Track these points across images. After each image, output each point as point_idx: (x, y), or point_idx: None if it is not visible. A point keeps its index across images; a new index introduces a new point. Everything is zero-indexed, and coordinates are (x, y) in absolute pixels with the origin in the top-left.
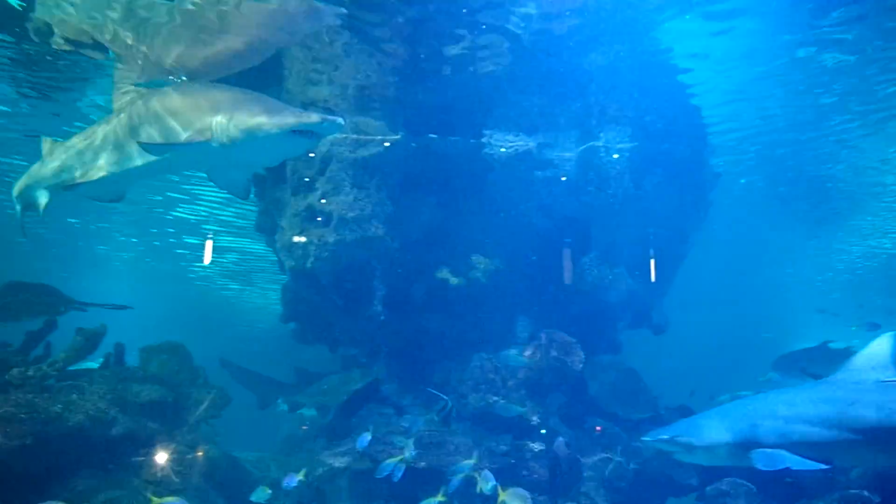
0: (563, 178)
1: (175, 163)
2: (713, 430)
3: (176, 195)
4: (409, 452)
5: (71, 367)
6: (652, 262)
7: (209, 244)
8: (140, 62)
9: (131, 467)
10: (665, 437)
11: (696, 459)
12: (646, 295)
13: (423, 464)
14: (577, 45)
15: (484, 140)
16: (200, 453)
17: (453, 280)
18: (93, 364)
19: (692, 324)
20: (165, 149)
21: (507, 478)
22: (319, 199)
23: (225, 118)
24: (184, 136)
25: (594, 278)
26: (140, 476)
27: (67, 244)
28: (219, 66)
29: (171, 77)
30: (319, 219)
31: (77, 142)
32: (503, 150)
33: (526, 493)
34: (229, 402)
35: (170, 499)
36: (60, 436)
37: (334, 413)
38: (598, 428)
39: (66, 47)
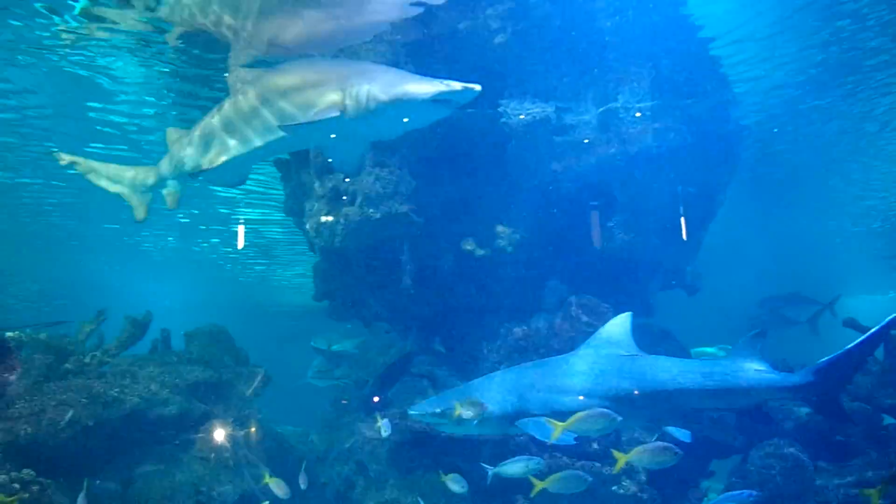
0: (586, 141)
1: (298, 140)
2: (483, 402)
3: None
4: None
5: None
6: (682, 220)
7: (241, 229)
8: (250, 44)
9: (183, 445)
10: (436, 410)
11: (464, 430)
12: (676, 255)
13: (458, 433)
14: (588, 4)
15: (500, 110)
16: (247, 430)
17: (479, 251)
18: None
19: (734, 281)
20: (301, 127)
21: (546, 445)
22: (343, 180)
23: (360, 90)
24: (314, 111)
25: (621, 241)
26: (191, 453)
27: (111, 239)
28: (321, 43)
29: (283, 55)
30: (345, 198)
31: (199, 129)
32: (521, 117)
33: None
34: (270, 381)
35: (275, 480)
36: (118, 418)
37: (370, 386)
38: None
39: (178, 43)
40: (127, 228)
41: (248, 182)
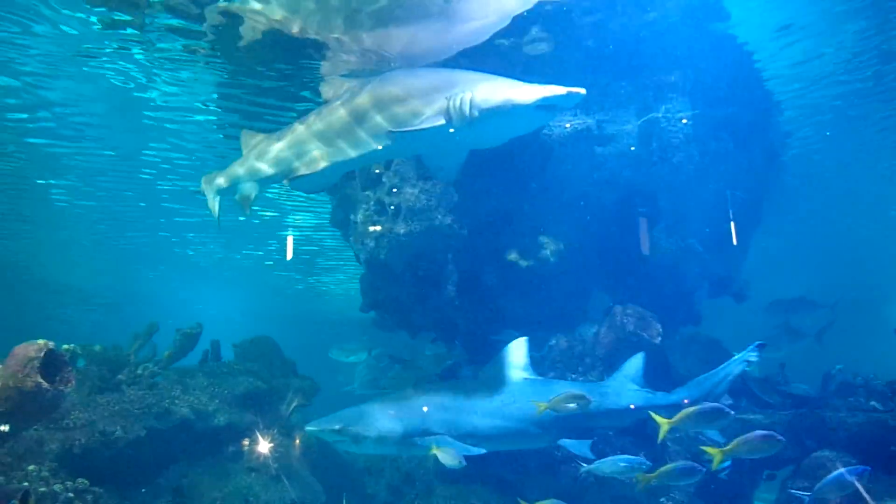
0: (631, 150)
1: (398, 149)
2: (384, 420)
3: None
4: None
5: None
6: (732, 226)
7: (290, 240)
8: (347, 54)
9: (231, 455)
10: (336, 426)
11: (362, 450)
12: (722, 263)
13: None
14: (631, 17)
15: None
16: (294, 440)
17: (523, 262)
18: None
19: (785, 287)
20: (406, 135)
21: (592, 454)
22: (387, 193)
23: (465, 98)
24: (420, 119)
25: (665, 249)
26: (240, 463)
27: (163, 248)
28: (421, 54)
29: (384, 64)
30: (390, 210)
31: (289, 135)
32: (564, 128)
33: None
34: (318, 391)
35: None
36: (169, 429)
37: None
38: (685, 401)
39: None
40: (178, 237)
41: (288, 194)
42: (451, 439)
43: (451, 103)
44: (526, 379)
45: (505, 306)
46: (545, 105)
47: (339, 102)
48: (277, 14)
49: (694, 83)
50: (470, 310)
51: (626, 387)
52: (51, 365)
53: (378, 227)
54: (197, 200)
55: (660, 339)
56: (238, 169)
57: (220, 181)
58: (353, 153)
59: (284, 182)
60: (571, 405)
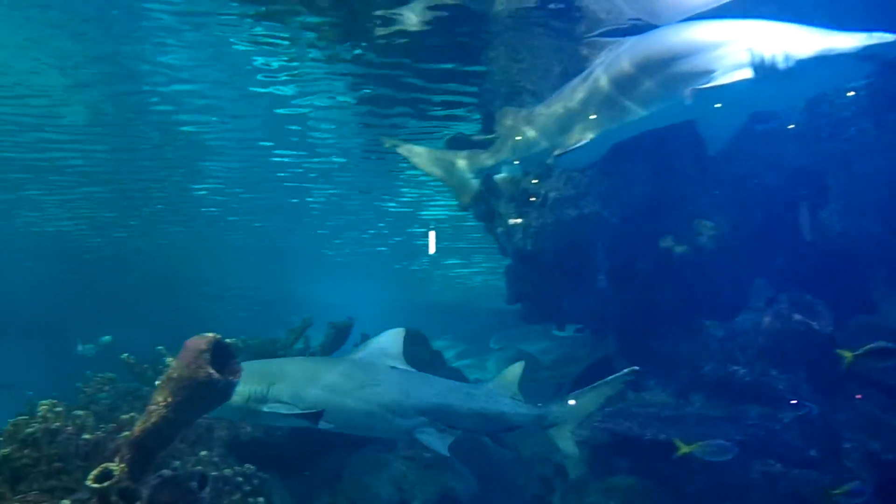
0: (791, 127)
1: (682, 111)
2: None
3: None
4: None
5: None
6: None
7: (432, 235)
8: (606, 14)
9: (387, 444)
10: None
11: (218, 414)
12: None
13: (662, 436)
14: None
15: None
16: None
17: (678, 248)
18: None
19: None
20: (702, 93)
21: (756, 450)
22: (532, 183)
23: (774, 48)
24: (718, 74)
25: (836, 232)
26: (395, 452)
27: (313, 247)
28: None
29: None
30: (534, 200)
31: (554, 107)
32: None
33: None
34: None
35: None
36: None
37: (567, 389)
38: (858, 396)
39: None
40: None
41: (432, 182)
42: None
43: (758, 55)
44: (394, 368)
45: (659, 295)
46: (867, 55)
47: (606, 64)
48: None
49: None
50: (622, 300)
51: (497, 393)
52: (219, 357)
53: (524, 219)
54: (344, 201)
55: (830, 329)
56: (500, 149)
57: (486, 160)
58: (627, 119)
59: (549, 160)
60: None
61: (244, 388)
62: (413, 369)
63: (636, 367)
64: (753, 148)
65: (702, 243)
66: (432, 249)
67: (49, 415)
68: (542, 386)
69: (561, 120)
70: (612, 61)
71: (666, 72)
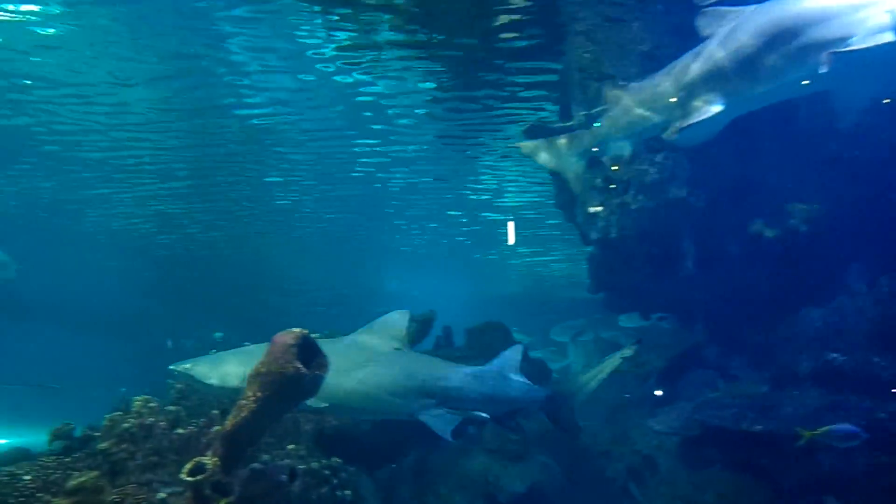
0: (885, 102)
1: (811, 80)
2: (229, 365)
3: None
4: None
5: None
6: None
7: (511, 225)
8: None
9: (470, 437)
10: (188, 366)
11: (211, 390)
12: None
13: (758, 427)
14: None
15: None
16: (531, 422)
17: (768, 232)
18: None
19: None
20: (842, 57)
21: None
22: (615, 170)
23: None
24: (861, 36)
25: None
26: (479, 445)
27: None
28: None
29: None
30: (616, 187)
31: (668, 81)
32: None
33: None
34: (550, 374)
35: None
36: None
37: (655, 379)
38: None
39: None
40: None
41: (510, 172)
42: None
43: None
44: (396, 350)
45: (749, 281)
46: None
47: (725, 35)
48: None
49: None
50: (710, 287)
51: (504, 374)
52: (306, 351)
53: (606, 206)
54: (418, 192)
55: None
56: (606, 124)
57: (586, 140)
58: (751, 91)
59: (665, 135)
60: None
61: (243, 370)
62: (414, 351)
63: (639, 341)
64: (845, 125)
65: (794, 226)
66: (511, 240)
67: (143, 410)
68: (623, 377)
69: (676, 95)
70: (732, 32)
71: (798, 39)
